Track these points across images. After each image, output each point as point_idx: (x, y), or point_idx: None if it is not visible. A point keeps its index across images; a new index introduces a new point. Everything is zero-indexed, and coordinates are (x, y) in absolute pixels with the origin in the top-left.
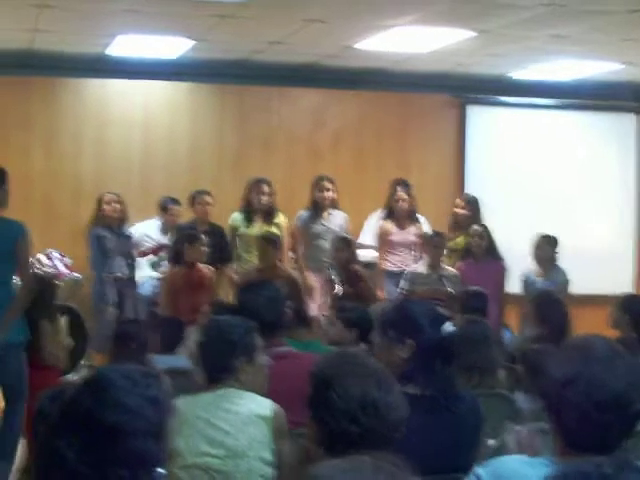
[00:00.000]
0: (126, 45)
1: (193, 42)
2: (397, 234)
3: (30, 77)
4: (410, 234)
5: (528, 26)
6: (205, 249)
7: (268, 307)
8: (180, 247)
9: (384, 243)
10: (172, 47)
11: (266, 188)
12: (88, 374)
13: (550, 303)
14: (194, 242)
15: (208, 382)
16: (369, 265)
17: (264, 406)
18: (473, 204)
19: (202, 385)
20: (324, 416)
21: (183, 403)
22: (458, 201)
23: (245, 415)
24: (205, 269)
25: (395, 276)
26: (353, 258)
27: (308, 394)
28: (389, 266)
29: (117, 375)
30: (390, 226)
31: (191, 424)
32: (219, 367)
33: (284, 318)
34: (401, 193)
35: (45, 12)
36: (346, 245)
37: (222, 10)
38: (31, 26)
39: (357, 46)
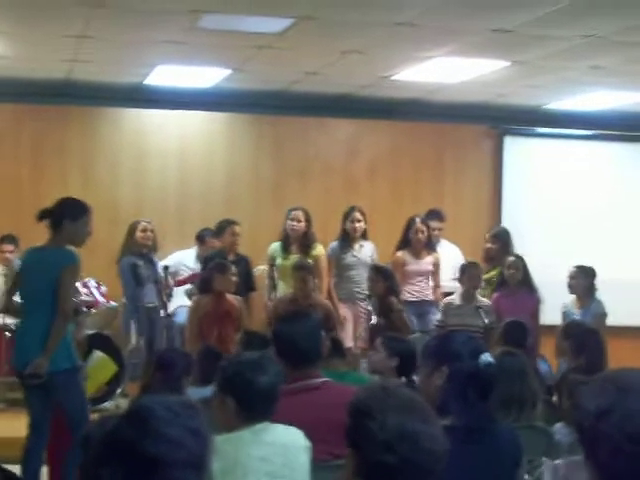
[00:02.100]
0: (164, 75)
1: (230, 72)
2: (413, 264)
3: (68, 106)
4: (426, 263)
5: (565, 57)
6: (235, 279)
7: (305, 338)
8: (209, 276)
9: (400, 274)
10: (209, 78)
11: (300, 215)
12: (130, 405)
13: (585, 334)
14: (225, 272)
15: (243, 418)
16: None
17: (301, 436)
18: (501, 237)
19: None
20: (362, 445)
21: (225, 445)
22: (487, 236)
23: (291, 446)
24: (233, 299)
25: (412, 305)
26: (390, 289)
27: (347, 424)
28: (407, 296)
29: (159, 406)
30: (406, 256)
31: (244, 463)
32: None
33: (321, 349)
34: (420, 225)
35: (84, 42)
36: (380, 275)
37: (260, 41)
38: (70, 56)
39: (394, 77)
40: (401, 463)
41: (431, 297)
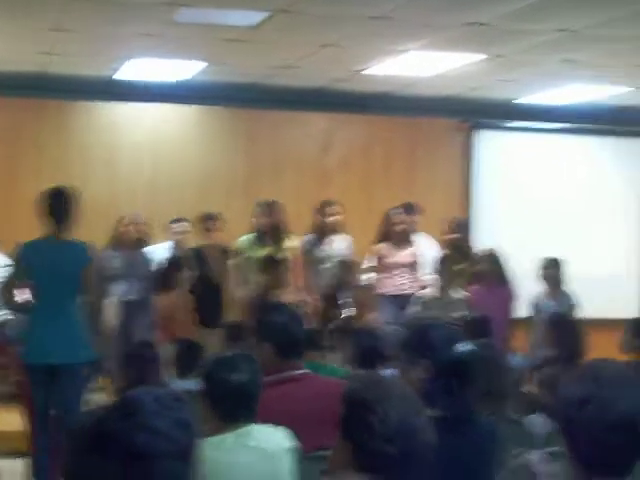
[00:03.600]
0: (137, 68)
1: (204, 65)
2: (392, 256)
3: (42, 99)
4: (406, 256)
5: (539, 51)
6: (190, 274)
7: (287, 329)
8: (168, 272)
9: (379, 266)
10: (183, 70)
11: (263, 210)
12: (118, 397)
13: (565, 325)
14: (181, 269)
15: (224, 421)
16: (363, 288)
17: (286, 438)
18: (463, 227)
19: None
20: (362, 438)
21: (207, 450)
22: (449, 226)
23: (276, 451)
24: (189, 294)
25: (392, 299)
26: (356, 281)
27: (342, 416)
28: (386, 289)
29: (147, 398)
30: (385, 249)
31: (227, 469)
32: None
33: (301, 340)
34: (397, 217)
35: (59, 35)
36: (351, 268)
37: (235, 34)
38: (45, 49)
39: (368, 71)
40: (400, 455)
41: (410, 290)
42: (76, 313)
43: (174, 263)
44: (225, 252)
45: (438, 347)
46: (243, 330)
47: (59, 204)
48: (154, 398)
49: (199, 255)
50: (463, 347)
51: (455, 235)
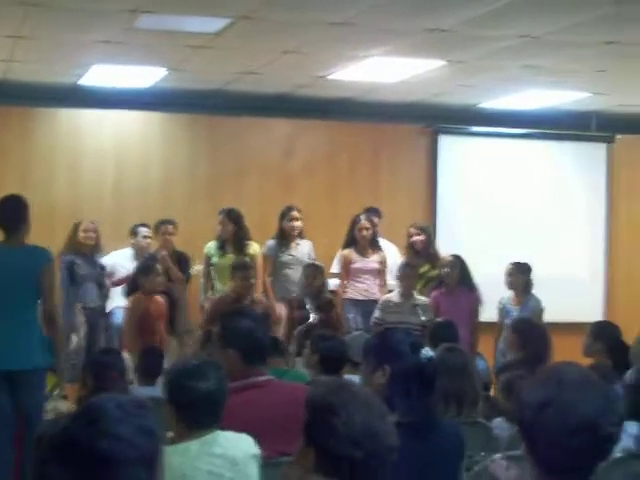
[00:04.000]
0: (99, 75)
1: (166, 72)
2: (359, 262)
3: (4, 106)
4: (373, 262)
5: (501, 57)
6: (160, 279)
7: (250, 335)
8: (136, 278)
9: (346, 271)
10: (145, 77)
11: (223, 218)
12: (83, 404)
13: (531, 329)
14: (149, 273)
15: (189, 428)
16: (332, 292)
17: (251, 444)
18: (426, 230)
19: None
20: (327, 442)
21: (172, 457)
22: (412, 229)
23: (241, 458)
24: (160, 299)
25: (359, 304)
26: (324, 286)
27: (306, 420)
28: (352, 294)
29: (110, 405)
30: (352, 254)
31: (191, 477)
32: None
33: (266, 346)
34: (364, 222)
35: (20, 42)
36: (318, 273)
37: (197, 41)
38: (5, 56)
39: (330, 77)
40: (365, 457)
41: (377, 296)
42: (33, 318)
43: (146, 268)
44: (181, 258)
45: (398, 353)
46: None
47: (10, 211)
48: (117, 405)
49: (181, 259)
50: (423, 353)
51: (418, 238)
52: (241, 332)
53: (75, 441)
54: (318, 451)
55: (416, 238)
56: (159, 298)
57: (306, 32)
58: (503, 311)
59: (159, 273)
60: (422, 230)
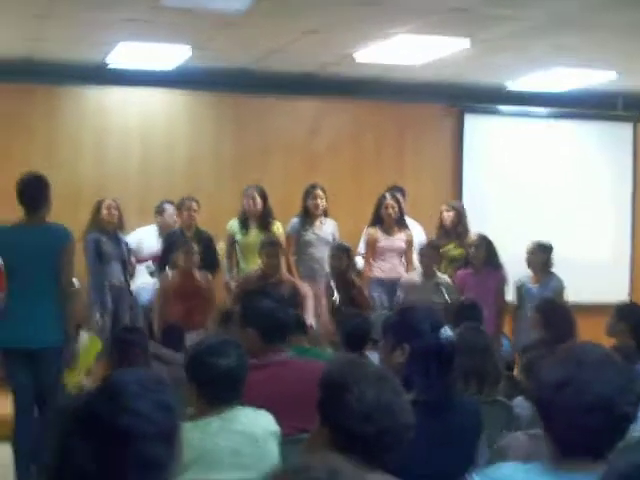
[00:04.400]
0: (125, 54)
1: (192, 51)
2: (385, 240)
3: (31, 85)
4: (399, 240)
5: (527, 36)
6: (197, 257)
7: (276, 312)
8: (169, 254)
9: (372, 250)
10: (171, 56)
11: (254, 194)
12: (102, 380)
13: (555, 309)
14: (187, 250)
15: (209, 404)
16: (358, 271)
17: (271, 421)
18: (457, 208)
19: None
20: (340, 419)
21: (193, 433)
22: (444, 207)
23: (261, 435)
24: (200, 277)
25: (384, 283)
26: (350, 266)
27: (320, 399)
28: (378, 273)
29: (130, 380)
30: (378, 233)
31: (211, 453)
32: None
33: (287, 325)
34: (390, 200)
35: (45, 21)
36: (344, 253)
37: (222, 19)
38: (32, 35)
39: (355, 56)
40: (378, 433)
41: (403, 274)
42: (52, 296)
43: (182, 246)
44: (203, 236)
45: (417, 331)
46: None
47: (31, 190)
48: (136, 381)
49: (202, 237)
50: (442, 332)
51: (448, 214)
52: (261, 312)
53: (96, 416)
54: (332, 428)
55: (445, 214)
56: (199, 275)
57: (331, 11)
58: (522, 290)
59: (195, 251)
60: (452, 208)
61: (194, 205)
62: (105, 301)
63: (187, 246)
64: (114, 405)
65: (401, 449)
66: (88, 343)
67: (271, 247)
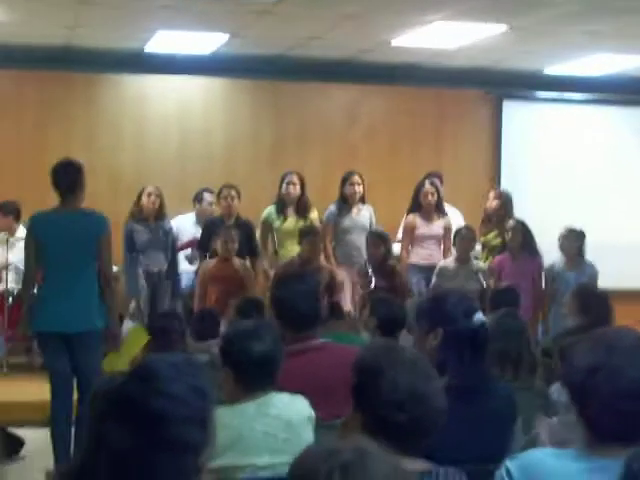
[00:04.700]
0: (163, 41)
1: (229, 37)
2: (423, 227)
3: (70, 73)
4: (437, 227)
5: (562, 22)
6: (235, 244)
7: (304, 300)
8: (208, 241)
9: (410, 237)
10: (208, 43)
11: (294, 179)
12: (136, 364)
13: (592, 295)
14: (226, 238)
15: (244, 389)
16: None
17: (306, 406)
18: (505, 198)
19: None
20: (372, 405)
21: (228, 417)
22: (491, 194)
23: (296, 420)
24: (239, 264)
25: (423, 269)
26: (388, 253)
27: (353, 384)
28: (416, 260)
29: (163, 364)
30: (417, 219)
31: (247, 438)
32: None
33: (319, 311)
34: (429, 187)
35: (84, 8)
36: (382, 240)
37: (259, 6)
38: (71, 22)
39: (393, 42)
40: (410, 421)
41: (440, 261)
42: (89, 281)
43: (214, 232)
44: (242, 223)
45: (450, 316)
46: (253, 305)
47: (67, 176)
48: (170, 364)
49: (242, 225)
50: (476, 317)
51: (494, 202)
52: (281, 303)
53: (129, 398)
54: (364, 414)
55: (489, 203)
56: (237, 262)
57: None
58: (555, 275)
59: (235, 238)
60: (498, 195)
61: (233, 193)
62: (137, 288)
63: (226, 233)
64: (148, 388)
65: (433, 434)
66: (133, 332)
67: (311, 235)
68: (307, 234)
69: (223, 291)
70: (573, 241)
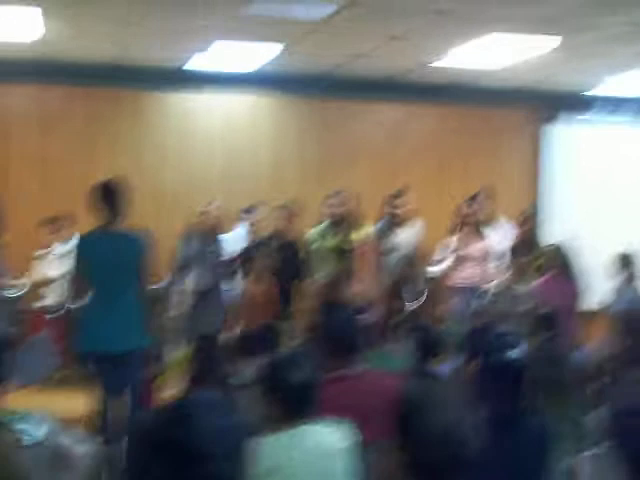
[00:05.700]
0: (210, 59)
1: (276, 55)
2: (463, 249)
3: (118, 89)
4: (476, 249)
5: (610, 44)
6: (270, 262)
7: (345, 328)
8: (250, 261)
9: (451, 258)
10: (255, 60)
11: (333, 200)
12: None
13: (632, 321)
14: (262, 256)
15: (283, 418)
16: (433, 280)
17: (343, 436)
18: (531, 219)
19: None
20: (412, 443)
21: (267, 447)
22: (520, 219)
23: (332, 449)
24: (267, 282)
25: (462, 291)
26: (419, 276)
27: (397, 416)
28: (456, 281)
29: (199, 402)
30: (456, 241)
31: (286, 467)
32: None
33: (345, 342)
34: (466, 209)
35: (133, 27)
36: (412, 263)
37: (305, 27)
38: (119, 40)
39: (436, 63)
40: (450, 458)
41: (481, 282)
42: (133, 300)
43: (251, 251)
44: (287, 243)
45: (487, 349)
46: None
47: (109, 196)
48: (205, 402)
49: (289, 246)
50: (515, 352)
51: (526, 227)
52: (325, 330)
53: (166, 435)
54: (405, 448)
55: (521, 229)
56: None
57: (410, 19)
58: (608, 301)
59: (271, 258)
60: (526, 218)
61: (284, 213)
62: (177, 305)
63: (263, 251)
64: (184, 427)
65: (468, 472)
66: (181, 355)
67: (342, 254)
68: (338, 255)
69: (253, 310)
70: (623, 266)
